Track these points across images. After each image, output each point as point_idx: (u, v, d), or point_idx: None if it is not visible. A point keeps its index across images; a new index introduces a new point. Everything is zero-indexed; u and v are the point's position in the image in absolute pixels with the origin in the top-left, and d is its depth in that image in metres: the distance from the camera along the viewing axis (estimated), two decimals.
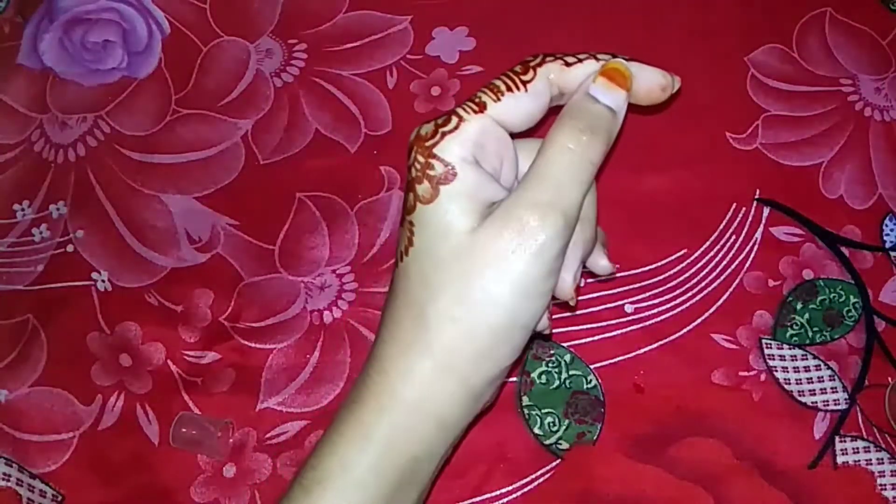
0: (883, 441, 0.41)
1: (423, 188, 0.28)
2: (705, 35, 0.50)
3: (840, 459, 0.41)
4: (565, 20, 0.50)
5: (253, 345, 0.44)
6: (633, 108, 0.31)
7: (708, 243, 0.45)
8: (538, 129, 0.31)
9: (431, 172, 0.28)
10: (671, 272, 0.44)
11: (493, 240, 0.28)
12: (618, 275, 0.44)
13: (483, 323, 0.28)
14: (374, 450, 0.29)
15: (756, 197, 0.46)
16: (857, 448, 0.41)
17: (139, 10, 0.51)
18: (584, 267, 0.33)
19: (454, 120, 0.29)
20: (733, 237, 0.45)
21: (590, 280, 0.44)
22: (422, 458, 0.30)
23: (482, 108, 0.29)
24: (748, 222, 0.45)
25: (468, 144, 0.28)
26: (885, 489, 0.40)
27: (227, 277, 0.45)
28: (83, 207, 0.47)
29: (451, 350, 0.28)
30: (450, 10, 0.51)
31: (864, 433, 0.41)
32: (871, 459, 0.41)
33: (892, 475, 0.40)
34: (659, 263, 0.45)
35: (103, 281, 0.45)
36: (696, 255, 0.45)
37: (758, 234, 0.45)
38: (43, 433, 0.43)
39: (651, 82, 0.31)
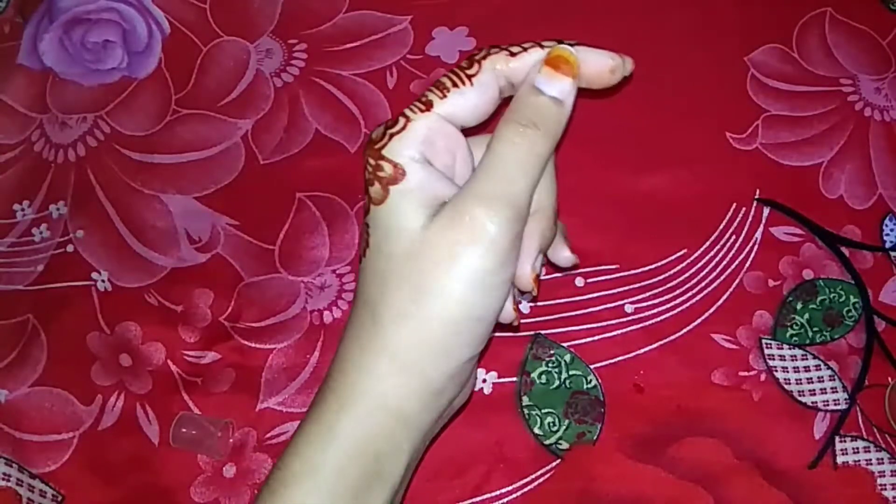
0: (883, 441, 0.41)
1: (374, 190, 0.29)
2: (705, 35, 0.50)
3: (840, 459, 0.41)
4: (565, 20, 0.50)
5: (253, 345, 0.44)
6: (585, 92, 0.31)
7: (708, 243, 0.45)
8: (493, 122, 0.31)
9: (381, 174, 0.29)
10: (671, 272, 0.44)
11: (443, 235, 0.28)
12: (618, 275, 0.44)
13: (437, 318, 0.28)
14: (337, 449, 0.29)
15: (756, 197, 0.46)
16: (857, 448, 0.41)
17: (139, 10, 0.51)
18: (547, 259, 0.33)
19: (401, 121, 0.29)
20: (733, 237, 0.45)
21: (591, 280, 0.44)
22: (386, 455, 0.29)
23: (429, 106, 0.29)
24: (748, 222, 0.45)
25: (416, 143, 0.29)
26: (885, 489, 0.40)
27: (227, 277, 0.45)
28: (83, 207, 0.47)
29: (407, 347, 0.28)
30: (450, 10, 0.51)
31: (864, 433, 0.41)
32: (871, 459, 0.41)
33: (892, 475, 0.40)
34: (659, 263, 0.45)
35: (103, 281, 0.45)
36: (696, 255, 0.45)
37: (758, 234, 0.45)
38: (43, 433, 0.43)
39: (599, 65, 0.30)
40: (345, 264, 0.45)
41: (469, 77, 0.30)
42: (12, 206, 0.47)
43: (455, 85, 0.29)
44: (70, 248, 0.46)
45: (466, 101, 0.30)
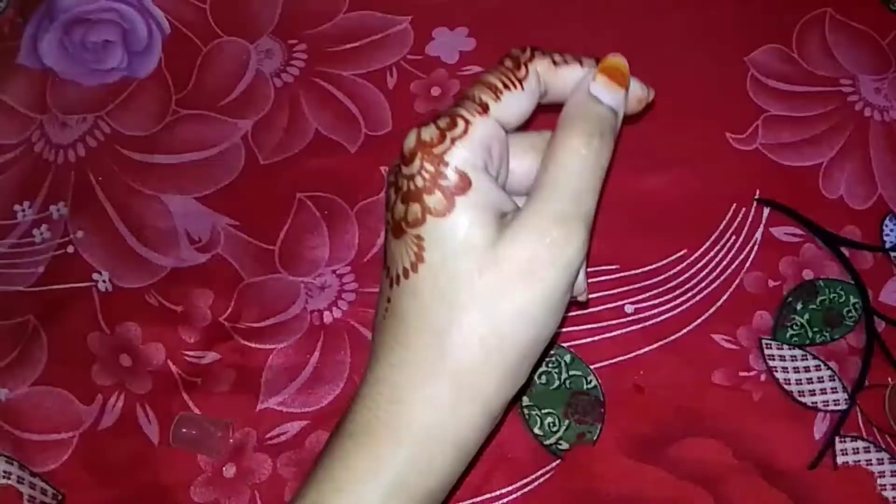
0: (883, 441, 0.41)
1: (434, 199, 0.26)
2: (705, 35, 0.50)
3: (840, 460, 0.41)
4: (565, 20, 0.50)
5: (253, 345, 0.44)
6: None
7: (708, 243, 0.45)
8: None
9: (444, 182, 0.26)
10: (671, 272, 0.44)
11: (520, 255, 0.26)
12: (618, 275, 0.44)
13: (512, 341, 0.27)
14: (388, 488, 0.26)
15: (756, 197, 0.46)
16: (857, 448, 0.41)
17: (139, 10, 0.51)
18: None
19: (461, 123, 0.27)
20: (733, 237, 0.45)
21: (591, 280, 0.44)
22: (437, 490, 0.28)
23: (485, 109, 0.27)
24: (748, 222, 0.45)
25: (479, 150, 0.27)
26: (885, 489, 0.40)
27: (227, 277, 0.45)
28: (83, 208, 0.47)
29: (476, 372, 0.26)
30: (450, 10, 0.51)
31: (864, 433, 0.41)
32: (871, 459, 0.41)
33: (892, 475, 0.40)
34: (659, 263, 0.45)
35: (104, 281, 0.45)
36: (696, 255, 0.45)
37: (758, 235, 0.45)
38: (43, 432, 0.43)
39: (632, 94, 0.30)
40: (345, 264, 0.45)
41: (520, 80, 0.28)
42: (13, 206, 0.47)
43: (507, 87, 0.28)
44: (70, 248, 0.46)
45: (519, 104, 0.28)
